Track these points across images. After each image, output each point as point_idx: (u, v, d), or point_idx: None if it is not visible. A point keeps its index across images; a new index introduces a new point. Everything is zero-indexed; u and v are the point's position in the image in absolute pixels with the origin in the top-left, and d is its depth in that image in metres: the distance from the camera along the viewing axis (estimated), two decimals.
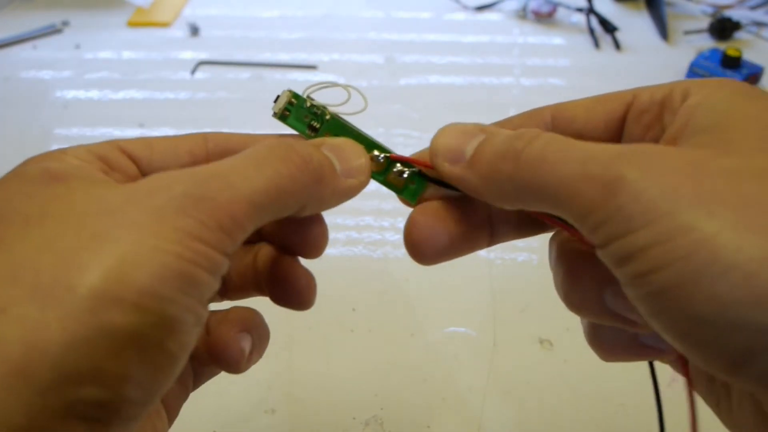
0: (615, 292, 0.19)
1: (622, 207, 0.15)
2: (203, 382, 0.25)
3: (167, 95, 0.68)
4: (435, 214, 0.22)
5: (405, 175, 0.23)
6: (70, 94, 0.68)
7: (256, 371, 0.25)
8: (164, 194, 0.16)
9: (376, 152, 0.23)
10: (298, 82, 0.69)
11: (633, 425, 0.37)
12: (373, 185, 0.23)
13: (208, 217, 0.16)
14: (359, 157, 0.22)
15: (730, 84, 0.18)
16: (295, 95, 0.22)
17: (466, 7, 0.83)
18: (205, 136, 0.22)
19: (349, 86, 0.23)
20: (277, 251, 0.24)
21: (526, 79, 0.69)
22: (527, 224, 0.22)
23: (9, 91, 0.69)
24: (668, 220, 0.15)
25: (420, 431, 0.37)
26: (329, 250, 0.24)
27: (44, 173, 0.17)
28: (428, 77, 0.70)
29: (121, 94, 0.68)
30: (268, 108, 0.22)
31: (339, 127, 0.23)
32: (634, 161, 0.16)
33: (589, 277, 0.20)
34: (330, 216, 0.22)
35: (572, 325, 0.39)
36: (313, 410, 0.38)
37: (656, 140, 0.20)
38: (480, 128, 0.21)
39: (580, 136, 0.20)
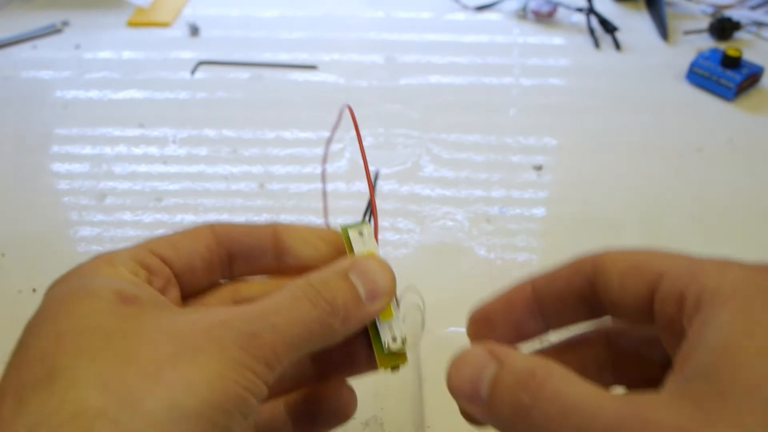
0: None
1: None
2: None
3: (167, 95, 0.68)
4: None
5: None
6: (70, 94, 0.68)
7: None
8: (223, 329, 0.20)
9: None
10: (298, 82, 0.69)
11: None
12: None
13: (257, 352, 0.20)
14: (385, 277, 0.24)
15: (747, 288, 0.17)
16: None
17: (466, 7, 0.83)
18: (211, 228, 0.25)
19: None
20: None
21: (526, 79, 0.69)
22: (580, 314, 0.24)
23: (9, 91, 0.69)
24: None
25: (420, 431, 0.37)
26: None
27: (116, 295, 0.20)
28: (428, 77, 0.70)
29: (121, 94, 0.68)
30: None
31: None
32: None
33: None
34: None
35: (571, 326, 0.39)
36: None
37: (681, 334, 0.19)
38: (489, 353, 0.20)
39: (614, 306, 0.21)
